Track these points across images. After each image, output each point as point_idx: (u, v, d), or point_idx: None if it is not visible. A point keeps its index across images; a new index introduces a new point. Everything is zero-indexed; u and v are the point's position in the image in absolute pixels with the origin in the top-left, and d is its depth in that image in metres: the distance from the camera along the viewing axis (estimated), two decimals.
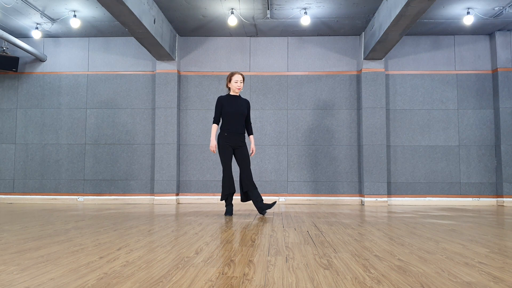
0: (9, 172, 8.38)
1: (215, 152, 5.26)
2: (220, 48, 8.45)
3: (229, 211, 5.26)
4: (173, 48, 8.09)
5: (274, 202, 5.27)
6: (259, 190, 7.88)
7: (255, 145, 7.91)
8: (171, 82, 8.17)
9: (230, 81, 5.31)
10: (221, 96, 5.33)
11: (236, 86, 5.26)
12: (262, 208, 5.21)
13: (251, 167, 5.50)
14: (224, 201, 5.21)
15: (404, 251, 2.62)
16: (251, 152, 5.39)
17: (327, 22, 7.70)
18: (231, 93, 5.35)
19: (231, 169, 5.21)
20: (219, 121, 5.33)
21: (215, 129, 5.27)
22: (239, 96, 5.37)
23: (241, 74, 5.31)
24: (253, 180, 5.57)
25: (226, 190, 5.16)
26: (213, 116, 5.40)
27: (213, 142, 5.21)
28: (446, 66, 8.27)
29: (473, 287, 1.75)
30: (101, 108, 8.40)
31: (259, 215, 5.30)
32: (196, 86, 8.37)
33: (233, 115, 5.22)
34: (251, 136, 5.48)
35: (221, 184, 5.32)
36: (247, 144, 6.72)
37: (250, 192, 5.16)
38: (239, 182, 5.25)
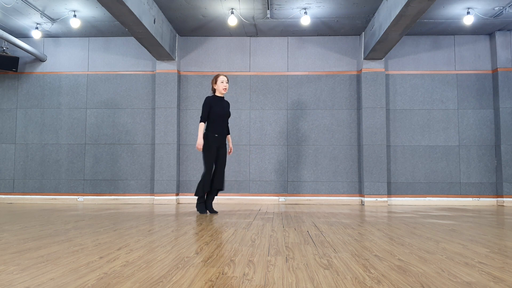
0: (9, 172, 8.38)
1: (201, 150, 5.38)
2: (220, 48, 8.44)
3: (203, 209, 5.52)
4: (173, 48, 8.09)
5: (216, 212, 5.63)
6: (260, 190, 8.15)
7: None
8: (171, 82, 8.16)
9: (216, 82, 5.55)
10: (208, 96, 5.54)
11: (223, 87, 5.51)
12: (209, 209, 5.63)
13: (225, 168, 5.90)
14: (198, 197, 5.49)
15: (404, 251, 2.62)
16: (229, 151, 5.72)
17: (327, 22, 7.70)
18: (217, 94, 5.59)
19: (212, 169, 5.52)
20: (206, 121, 5.53)
21: (203, 127, 5.46)
22: (223, 97, 5.61)
23: (226, 76, 5.62)
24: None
25: (207, 188, 5.42)
26: (201, 115, 5.59)
27: (201, 140, 5.40)
28: (446, 66, 8.27)
29: (473, 287, 1.75)
30: (101, 108, 8.40)
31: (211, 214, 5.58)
32: (196, 86, 8.37)
33: (221, 117, 5.52)
34: (229, 136, 5.78)
35: (199, 181, 5.57)
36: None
37: (215, 191, 5.56)
38: (211, 178, 5.52)
